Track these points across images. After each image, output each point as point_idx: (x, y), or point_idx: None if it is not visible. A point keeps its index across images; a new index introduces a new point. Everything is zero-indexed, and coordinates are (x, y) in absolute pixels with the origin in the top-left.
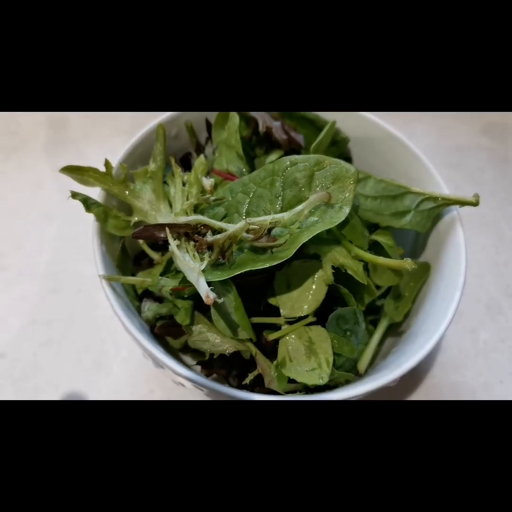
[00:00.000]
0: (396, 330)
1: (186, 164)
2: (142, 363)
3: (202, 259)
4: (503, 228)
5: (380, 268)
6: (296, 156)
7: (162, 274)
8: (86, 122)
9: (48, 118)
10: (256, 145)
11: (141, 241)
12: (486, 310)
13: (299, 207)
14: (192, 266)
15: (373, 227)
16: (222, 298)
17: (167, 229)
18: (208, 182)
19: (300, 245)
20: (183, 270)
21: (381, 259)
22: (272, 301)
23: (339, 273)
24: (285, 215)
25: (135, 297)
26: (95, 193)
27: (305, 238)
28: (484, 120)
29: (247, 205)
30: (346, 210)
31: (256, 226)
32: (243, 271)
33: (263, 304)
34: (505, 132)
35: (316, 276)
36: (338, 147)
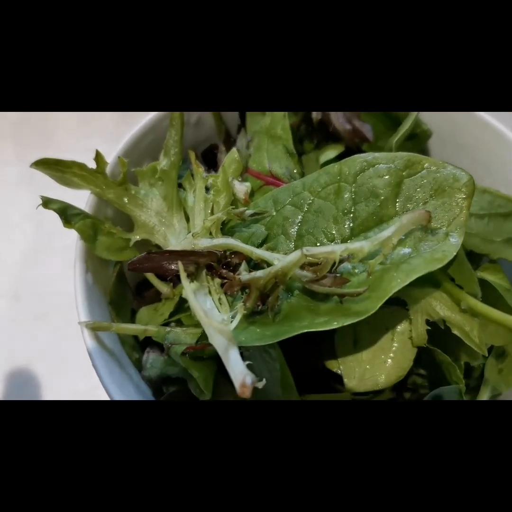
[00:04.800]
0: (495, 397)
1: (210, 160)
2: None
3: (231, 306)
4: None
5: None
6: (376, 154)
7: (173, 313)
8: None
9: None
10: (305, 137)
11: None
12: None
13: (385, 233)
14: (217, 326)
15: (476, 258)
16: (264, 379)
17: (180, 264)
18: (242, 188)
19: (390, 295)
20: (205, 328)
21: None
22: (331, 365)
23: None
24: (365, 245)
25: (135, 346)
26: (83, 197)
27: (397, 284)
28: None
29: (299, 224)
30: (457, 240)
31: (317, 260)
32: (296, 333)
33: (319, 369)
34: None
35: (398, 330)
36: (416, 143)
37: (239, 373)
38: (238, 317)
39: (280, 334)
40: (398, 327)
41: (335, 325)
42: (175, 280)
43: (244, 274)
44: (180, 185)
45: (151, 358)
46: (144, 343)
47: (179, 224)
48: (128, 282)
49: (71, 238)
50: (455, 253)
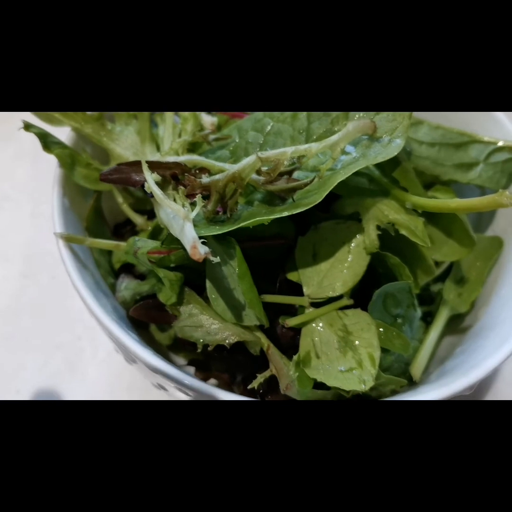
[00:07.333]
0: (457, 325)
1: None
2: (125, 366)
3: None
4: None
5: (439, 238)
6: None
7: None
8: None
9: None
10: None
11: (121, 200)
12: None
13: (334, 137)
14: (175, 207)
15: (429, 184)
16: (217, 257)
17: (145, 167)
18: (209, 120)
19: (334, 186)
20: (165, 218)
21: (457, 201)
22: (292, 276)
23: (383, 241)
24: (313, 146)
25: (110, 273)
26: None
27: (341, 176)
28: None
29: (260, 146)
30: (400, 142)
31: (270, 164)
32: (250, 222)
33: (280, 280)
34: None
35: (353, 243)
36: None
37: (192, 238)
38: (198, 209)
39: (236, 226)
40: (353, 240)
41: (286, 213)
42: (149, 215)
43: (205, 178)
44: (153, 123)
45: (125, 281)
46: (117, 272)
47: (152, 155)
48: (104, 217)
49: None
50: (396, 153)
